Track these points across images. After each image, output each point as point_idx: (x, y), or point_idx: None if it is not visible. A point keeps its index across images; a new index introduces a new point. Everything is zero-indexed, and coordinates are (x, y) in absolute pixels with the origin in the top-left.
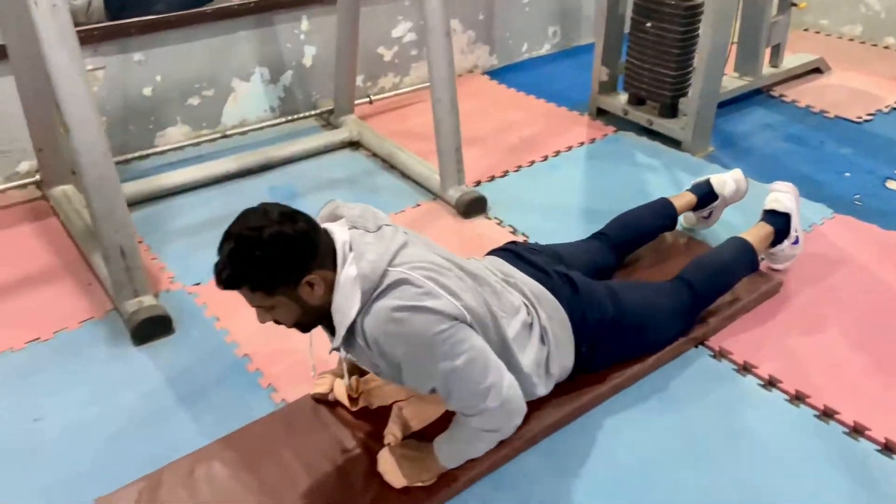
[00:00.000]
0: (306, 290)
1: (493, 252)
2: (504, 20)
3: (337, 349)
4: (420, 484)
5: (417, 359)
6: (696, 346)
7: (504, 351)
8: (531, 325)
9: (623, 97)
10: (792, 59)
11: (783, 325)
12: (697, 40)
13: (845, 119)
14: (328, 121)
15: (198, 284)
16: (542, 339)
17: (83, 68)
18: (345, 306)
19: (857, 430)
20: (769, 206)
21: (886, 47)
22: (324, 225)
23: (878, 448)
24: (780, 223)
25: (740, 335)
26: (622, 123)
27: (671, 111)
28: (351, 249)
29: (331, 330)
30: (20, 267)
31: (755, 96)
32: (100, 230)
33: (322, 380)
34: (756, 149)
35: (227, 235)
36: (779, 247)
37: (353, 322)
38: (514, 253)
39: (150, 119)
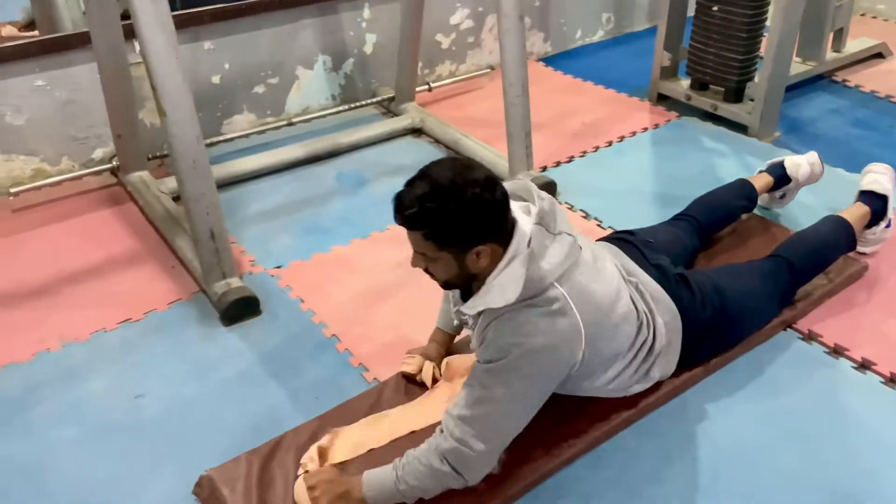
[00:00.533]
0: (472, 258)
1: (610, 240)
2: (558, 6)
3: (460, 313)
4: None
5: (503, 353)
6: (785, 329)
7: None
8: (637, 336)
9: (685, 82)
10: (854, 44)
11: (871, 308)
12: (765, 24)
13: None
14: (388, 108)
15: (279, 267)
16: (650, 349)
17: (178, 54)
18: (499, 294)
19: None
20: (867, 186)
21: None
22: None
23: None
24: (877, 205)
25: (828, 318)
26: (684, 109)
27: (736, 96)
28: (529, 244)
29: (465, 292)
30: (104, 250)
31: (818, 81)
32: (191, 213)
33: (412, 359)
34: (824, 134)
35: (424, 175)
36: (873, 229)
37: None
38: (635, 247)
39: (217, 106)
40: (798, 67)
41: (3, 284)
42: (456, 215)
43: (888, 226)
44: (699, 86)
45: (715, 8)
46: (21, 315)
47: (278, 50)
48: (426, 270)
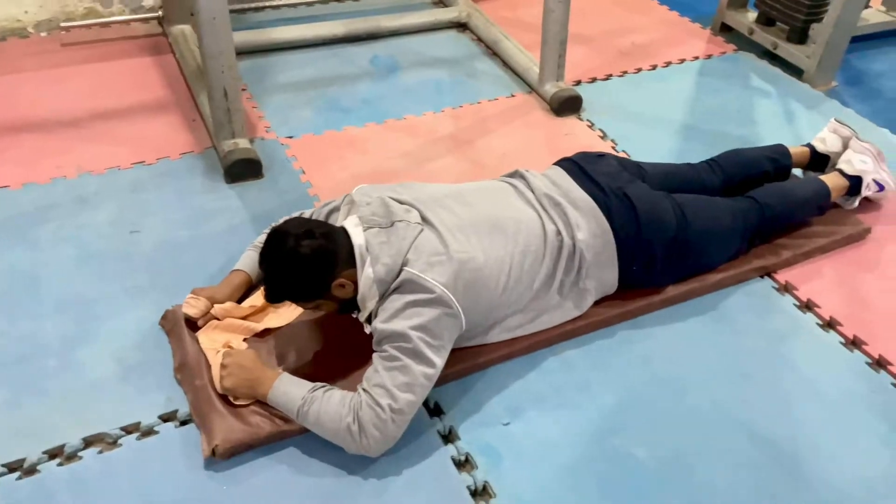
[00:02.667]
0: (339, 290)
1: (562, 161)
2: None
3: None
4: (233, 399)
5: (403, 337)
6: (762, 277)
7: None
8: (559, 247)
9: (752, 15)
10: None
11: (859, 272)
12: None
13: None
14: None
15: (291, 137)
16: (570, 259)
17: None
18: (367, 300)
19: None
20: (839, 166)
21: None
22: (342, 221)
23: None
24: (853, 181)
25: (811, 274)
26: (745, 44)
27: (800, 36)
28: (368, 251)
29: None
30: (135, 95)
31: None
32: (207, 69)
33: (196, 301)
34: (885, 91)
35: (261, 259)
36: (852, 198)
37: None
38: (578, 167)
39: None
40: (879, 17)
41: (39, 112)
42: (296, 281)
43: (881, 189)
44: (766, 20)
45: None
46: (48, 141)
47: None
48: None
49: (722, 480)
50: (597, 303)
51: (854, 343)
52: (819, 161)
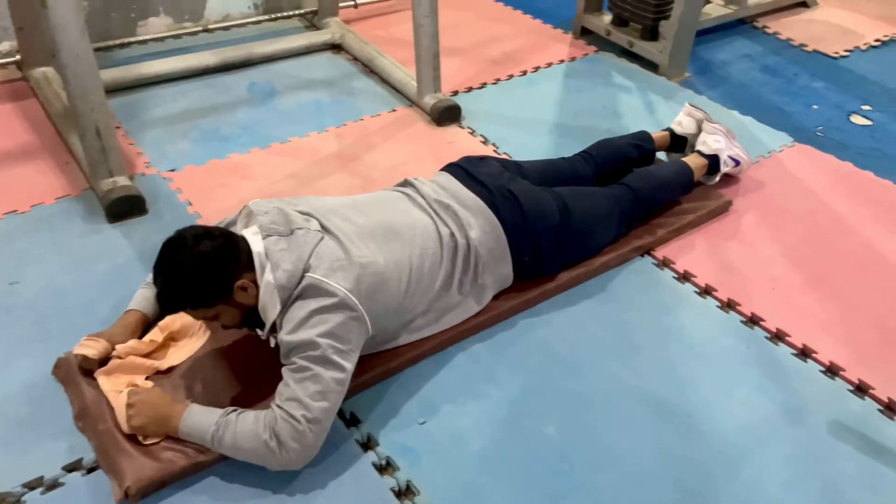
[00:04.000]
0: (241, 294)
1: (448, 167)
2: None
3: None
4: (143, 438)
5: (312, 346)
6: (643, 256)
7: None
8: (455, 248)
9: (608, 17)
10: None
11: (727, 241)
12: None
13: (823, 54)
14: (311, 22)
15: (172, 171)
16: (466, 258)
17: None
18: (269, 309)
19: (778, 336)
20: (697, 147)
21: None
22: (241, 232)
23: (795, 352)
24: (711, 160)
25: (685, 248)
26: (604, 44)
27: (652, 34)
28: (268, 257)
29: (259, 324)
30: None
31: (738, 26)
32: (76, 108)
33: (94, 342)
34: (731, 77)
35: (156, 271)
36: (713, 176)
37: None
38: (463, 170)
39: (132, 7)
40: (719, 10)
41: None
42: (195, 281)
43: (737, 164)
44: (620, 22)
45: None
46: None
47: None
48: (224, 327)
49: (625, 445)
50: (496, 296)
51: (729, 305)
52: (678, 143)
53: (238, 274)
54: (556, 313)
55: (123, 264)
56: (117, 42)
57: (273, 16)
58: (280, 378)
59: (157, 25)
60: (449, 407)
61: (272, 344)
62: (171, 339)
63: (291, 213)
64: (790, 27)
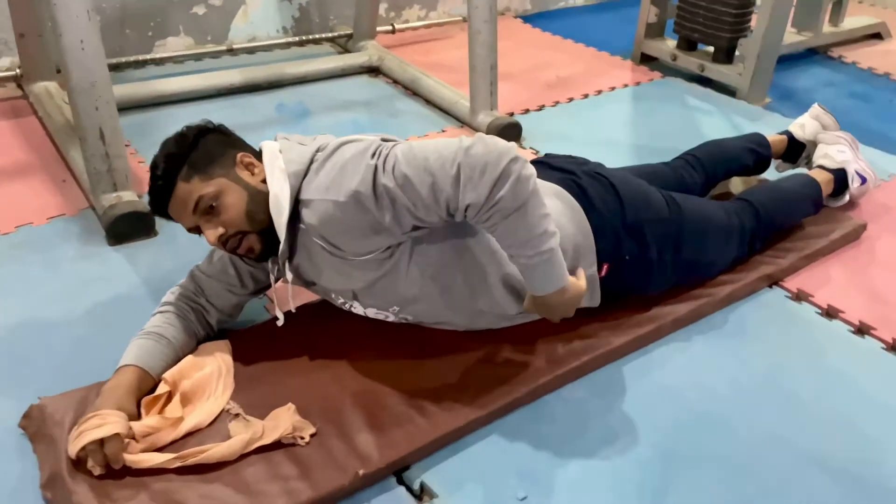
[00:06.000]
0: (245, 173)
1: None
2: None
3: (283, 266)
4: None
5: (366, 173)
6: (771, 287)
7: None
8: None
9: (671, 42)
10: (852, 21)
11: (870, 269)
12: None
13: None
14: (345, 47)
15: None
16: None
17: None
18: (280, 198)
19: None
20: (819, 161)
21: None
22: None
23: None
24: (837, 174)
25: (821, 278)
26: (669, 71)
27: (727, 56)
28: (280, 151)
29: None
30: None
31: (812, 56)
32: (76, 107)
33: (104, 418)
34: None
35: (156, 159)
36: (840, 199)
37: (294, 213)
38: (544, 163)
39: (149, 24)
40: (792, 37)
41: None
42: (195, 144)
43: (863, 182)
44: (687, 45)
45: None
46: None
47: None
48: (225, 234)
49: None
50: (598, 329)
51: (895, 348)
52: (794, 150)
53: (240, 148)
54: (677, 353)
55: (125, 294)
56: (131, 59)
57: (303, 38)
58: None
59: (176, 46)
60: (556, 476)
61: (289, 276)
62: (185, 401)
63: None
64: (869, 57)
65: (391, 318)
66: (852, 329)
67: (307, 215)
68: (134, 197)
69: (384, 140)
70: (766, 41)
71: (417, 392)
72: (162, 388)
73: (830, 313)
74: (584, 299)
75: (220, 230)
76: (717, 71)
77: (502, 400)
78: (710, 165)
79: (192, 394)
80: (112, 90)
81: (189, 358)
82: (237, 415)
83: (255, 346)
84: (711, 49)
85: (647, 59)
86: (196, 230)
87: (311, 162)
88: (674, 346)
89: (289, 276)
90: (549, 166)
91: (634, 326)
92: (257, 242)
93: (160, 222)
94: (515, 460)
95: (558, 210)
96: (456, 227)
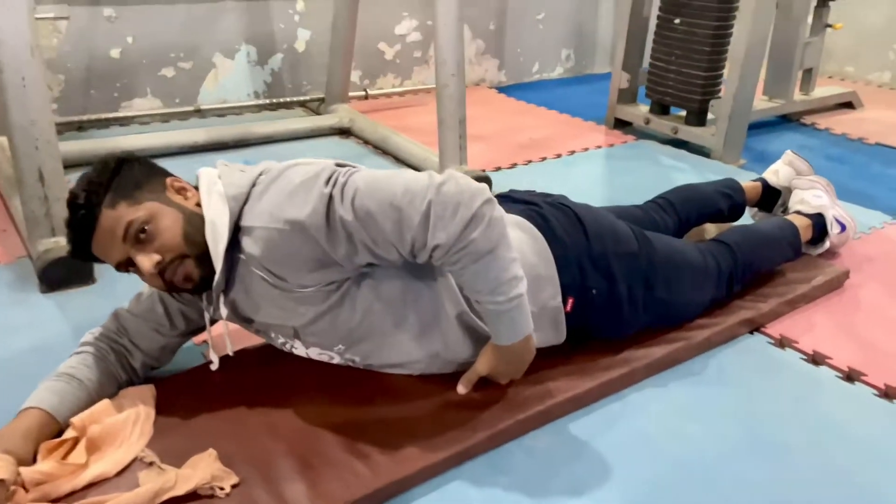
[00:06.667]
0: (178, 196)
1: None
2: (516, 34)
3: (217, 300)
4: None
5: (311, 211)
6: (752, 333)
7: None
8: None
9: (644, 108)
10: (823, 90)
11: (854, 318)
12: (729, 37)
13: (888, 146)
14: (317, 111)
15: None
16: None
17: None
18: (217, 220)
19: None
20: (795, 207)
21: None
22: None
23: None
24: (815, 219)
25: (803, 325)
26: (643, 135)
27: (699, 118)
28: (219, 178)
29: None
30: None
31: (785, 123)
32: (15, 146)
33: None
34: None
35: (74, 190)
36: (820, 245)
37: (233, 242)
38: (506, 197)
39: (115, 85)
40: (764, 104)
41: None
42: (118, 170)
43: (842, 230)
44: (660, 109)
45: (677, 20)
46: None
47: (194, 31)
48: (162, 264)
49: None
50: (565, 372)
51: (888, 395)
52: (769, 198)
53: (166, 174)
54: (653, 401)
55: (51, 340)
56: (94, 118)
57: (274, 101)
58: None
59: (143, 107)
60: None
61: (224, 312)
62: (93, 447)
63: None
64: (841, 124)
65: (336, 360)
66: (841, 376)
67: (248, 244)
68: None
69: (339, 165)
70: (738, 101)
71: (361, 438)
72: (68, 434)
73: (816, 360)
74: (549, 335)
75: (156, 257)
76: (690, 133)
77: (457, 446)
78: (683, 209)
79: (102, 440)
80: (54, 130)
81: (104, 402)
82: (151, 463)
83: (183, 392)
84: (684, 113)
85: (620, 124)
86: (126, 265)
87: (254, 185)
88: (648, 393)
89: (223, 311)
90: (512, 199)
91: (605, 370)
92: (195, 269)
93: (99, 269)
94: None
95: (519, 239)
96: (412, 262)
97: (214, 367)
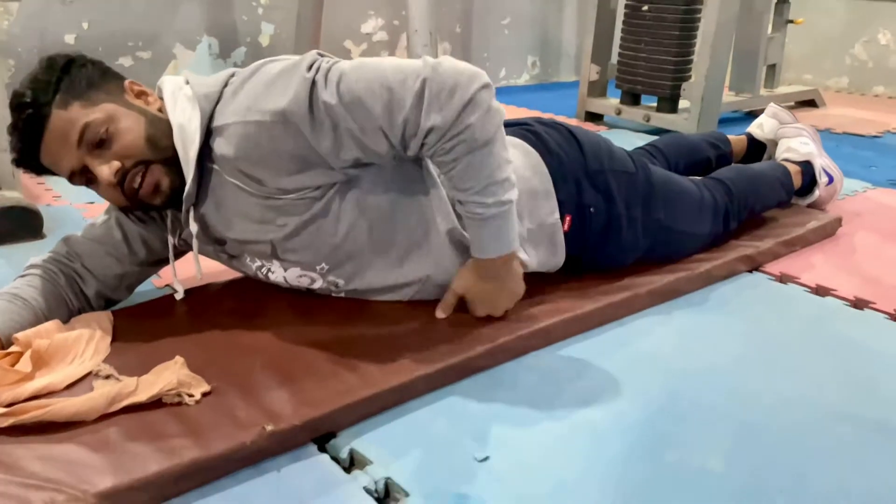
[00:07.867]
0: (138, 101)
1: None
2: (482, 38)
3: (187, 215)
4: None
5: (295, 92)
6: (751, 272)
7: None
8: None
9: (615, 100)
10: (787, 88)
11: (850, 259)
12: (698, 22)
13: (856, 135)
14: None
15: (91, 203)
16: None
17: None
18: (186, 124)
19: None
20: (783, 156)
21: (876, 95)
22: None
23: None
24: (803, 166)
25: (802, 264)
26: (615, 125)
27: (671, 105)
28: (187, 83)
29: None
30: None
31: (751, 119)
32: None
33: None
34: None
35: (18, 90)
36: (809, 196)
37: (203, 149)
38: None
39: None
40: (731, 98)
41: None
42: (67, 64)
43: (830, 181)
44: (631, 100)
45: (645, 7)
46: None
47: (154, 19)
48: (123, 167)
49: (853, 481)
50: (566, 295)
51: None
52: (755, 151)
53: (123, 77)
54: (658, 326)
55: None
56: None
57: None
58: None
59: None
60: (525, 437)
61: (193, 228)
62: (40, 362)
63: None
64: (807, 119)
65: (318, 284)
66: (848, 304)
67: (220, 145)
68: (17, 195)
69: (321, 55)
70: (710, 81)
71: (347, 353)
72: (13, 350)
73: (821, 292)
74: (546, 255)
75: (116, 164)
76: (663, 119)
77: (454, 358)
78: (673, 156)
79: (50, 356)
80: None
81: (53, 321)
82: (108, 376)
83: (145, 319)
84: (655, 102)
85: (592, 117)
86: (81, 174)
87: (226, 85)
88: (653, 319)
89: (193, 227)
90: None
91: (606, 294)
92: (165, 175)
93: (51, 229)
94: (472, 425)
95: (511, 156)
96: (402, 171)
97: (179, 295)
